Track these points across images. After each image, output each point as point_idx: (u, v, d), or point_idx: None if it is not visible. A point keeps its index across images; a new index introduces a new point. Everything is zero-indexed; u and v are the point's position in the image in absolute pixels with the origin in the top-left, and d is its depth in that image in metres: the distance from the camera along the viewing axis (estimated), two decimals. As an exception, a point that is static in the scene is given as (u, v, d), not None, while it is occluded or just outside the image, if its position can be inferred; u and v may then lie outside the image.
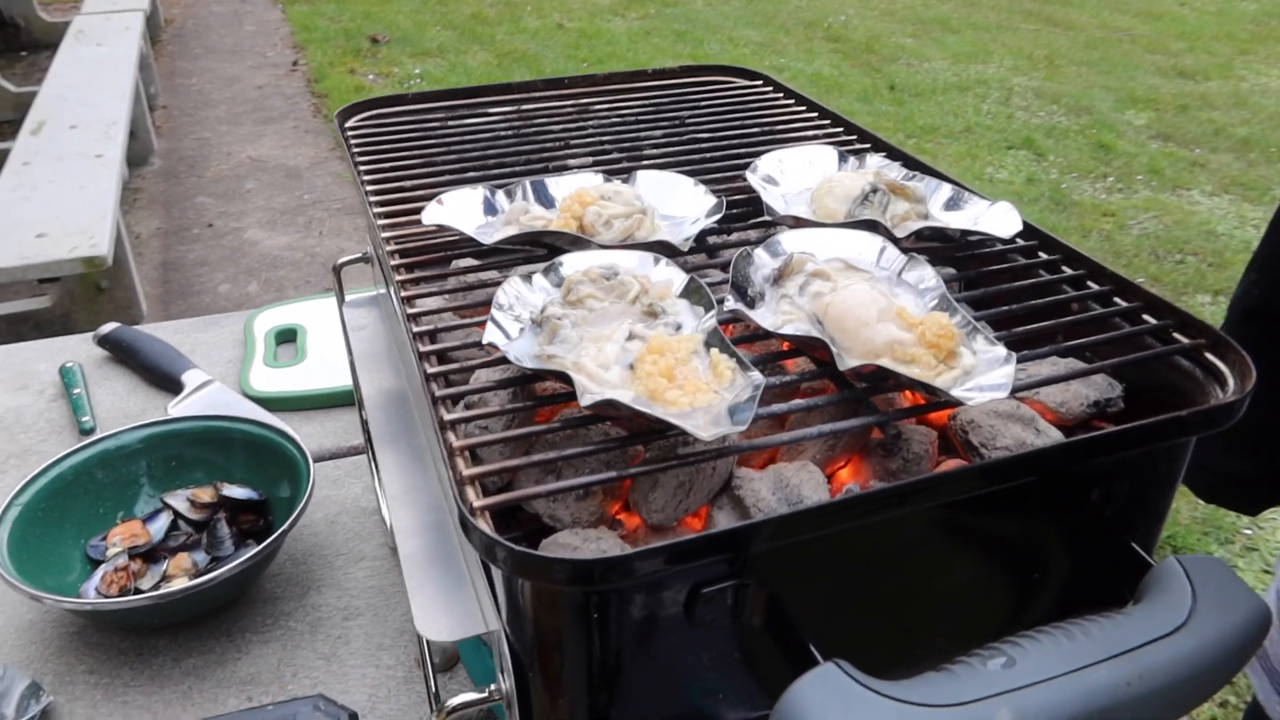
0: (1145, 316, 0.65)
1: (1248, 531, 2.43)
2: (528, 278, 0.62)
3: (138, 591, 0.90)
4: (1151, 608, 0.48)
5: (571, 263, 0.63)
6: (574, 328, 0.57)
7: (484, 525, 0.47)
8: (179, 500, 0.99)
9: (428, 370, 0.58)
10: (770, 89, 1.05)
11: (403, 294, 0.66)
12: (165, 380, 1.22)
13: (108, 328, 1.30)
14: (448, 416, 0.54)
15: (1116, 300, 0.67)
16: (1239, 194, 4.21)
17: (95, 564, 0.93)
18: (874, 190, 0.71)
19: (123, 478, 0.99)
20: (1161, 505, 0.59)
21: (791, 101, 1.01)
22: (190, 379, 1.20)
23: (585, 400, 0.50)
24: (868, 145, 0.90)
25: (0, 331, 2.91)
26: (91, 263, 2.63)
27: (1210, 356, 0.60)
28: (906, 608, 0.56)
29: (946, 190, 0.76)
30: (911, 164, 0.82)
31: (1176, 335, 0.63)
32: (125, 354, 1.27)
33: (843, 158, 0.80)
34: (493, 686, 0.55)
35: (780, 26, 6.58)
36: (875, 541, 0.52)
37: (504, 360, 0.57)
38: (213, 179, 4.45)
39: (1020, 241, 0.74)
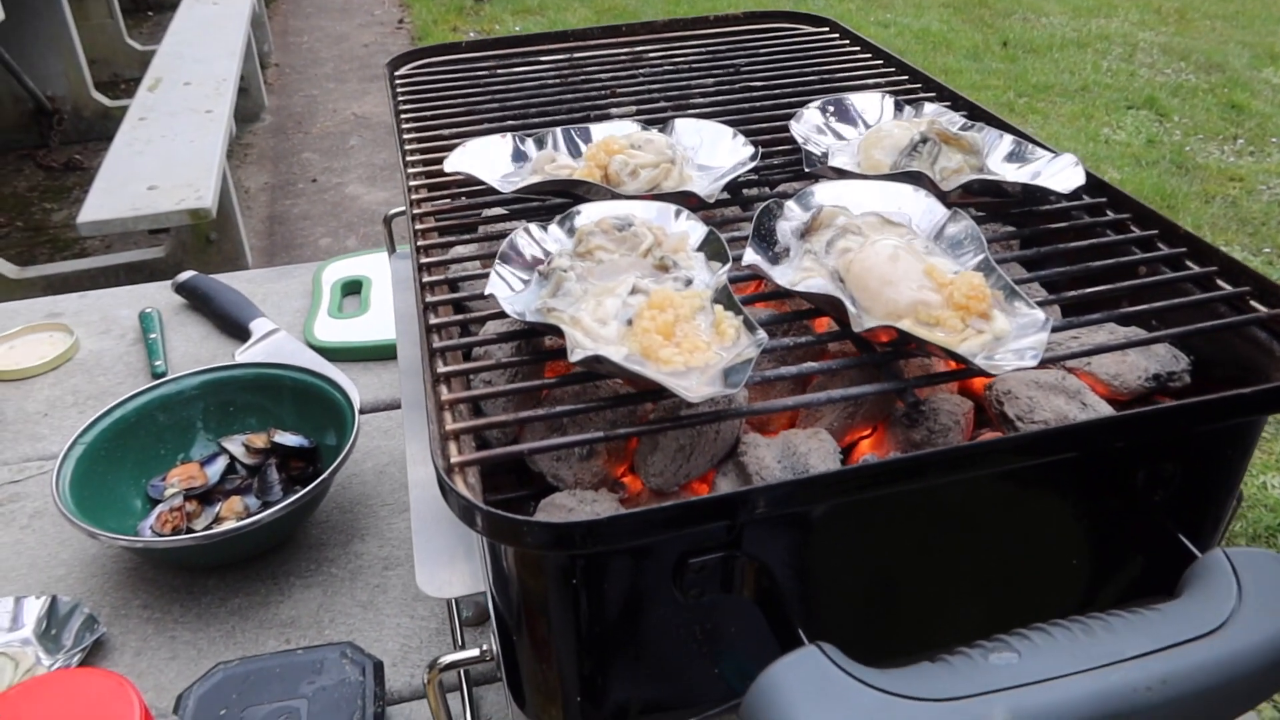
0: (1220, 283, 0.59)
1: (1373, 524, 2.25)
2: (543, 227, 0.60)
3: (190, 531, 0.93)
4: (1188, 605, 0.43)
5: (588, 213, 0.60)
6: (579, 280, 0.54)
7: (460, 484, 0.45)
8: (235, 445, 1.01)
9: (430, 321, 0.56)
10: (837, 36, 0.99)
11: (419, 243, 0.64)
12: (235, 328, 1.25)
13: (185, 275, 1.33)
14: (441, 369, 0.52)
15: (1189, 264, 0.61)
16: (1389, 158, 3.87)
17: (155, 503, 0.96)
18: (923, 140, 0.66)
19: (182, 421, 1.01)
20: (1221, 492, 0.54)
21: (857, 49, 0.95)
22: (258, 327, 1.23)
23: (574, 356, 0.47)
24: (932, 95, 0.84)
25: (120, 278, 3.06)
26: (197, 214, 2.72)
27: (1290, 328, 0.54)
28: (917, 591, 0.52)
29: (1008, 142, 0.70)
30: (976, 114, 0.76)
31: (1254, 304, 0.56)
32: (200, 301, 1.31)
33: (899, 106, 0.74)
34: (485, 646, 0.54)
35: (890, -20, 6.32)
36: (881, 519, 0.49)
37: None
38: (318, 135, 4.57)
39: (1086, 198, 0.68)
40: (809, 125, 0.72)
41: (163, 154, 3.00)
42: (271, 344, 1.20)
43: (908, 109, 0.75)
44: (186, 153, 3.00)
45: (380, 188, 4.00)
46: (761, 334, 0.49)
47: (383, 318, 1.24)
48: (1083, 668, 0.39)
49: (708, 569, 0.46)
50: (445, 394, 0.51)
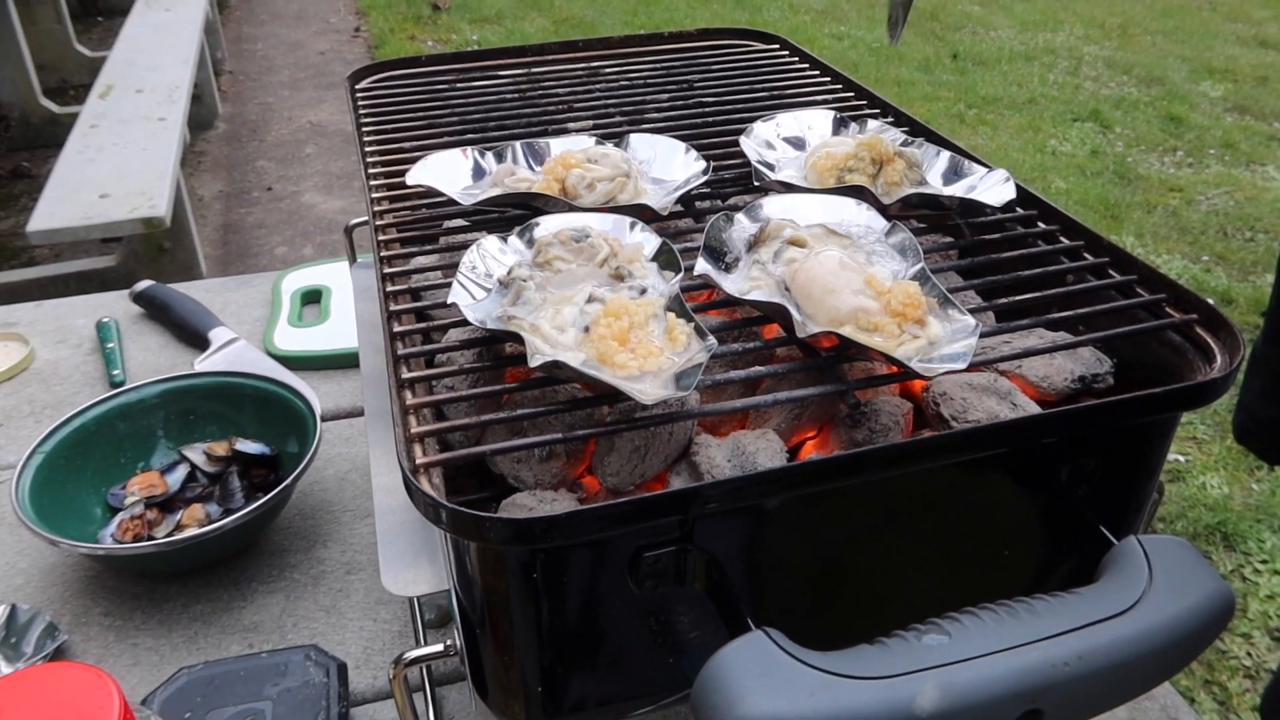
0: (1140, 290, 0.63)
1: (1304, 519, 2.34)
2: (503, 238, 0.62)
3: (151, 539, 0.93)
4: (1104, 588, 0.46)
5: (546, 224, 0.63)
6: (538, 289, 0.56)
7: (425, 484, 0.47)
8: (195, 453, 1.02)
9: (394, 329, 0.58)
10: (786, 53, 1.03)
11: (383, 253, 0.66)
12: (194, 337, 1.25)
13: (142, 285, 1.33)
14: (405, 375, 0.54)
15: (1112, 273, 0.65)
16: (1319, 170, 4.02)
17: (115, 512, 0.97)
18: (866, 157, 0.69)
19: (142, 430, 1.02)
20: (1139, 485, 0.57)
21: (806, 66, 0.99)
22: (217, 336, 1.23)
23: (533, 361, 0.50)
24: (876, 111, 0.88)
25: (70, 288, 3.02)
26: (150, 223, 2.70)
27: (1201, 332, 0.58)
28: (858, 581, 0.56)
29: (946, 158, 0.73)
30: (916, 130, 0.80)
31: (1169, 310, 0.60)
32: (158, 311, 1.31)
33: (842, 122, 0.78)
34: (449, 641, 0.56)
35: (844, -8, 6.44)
36: (825, 513, 0.52)
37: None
38: (274, 143, 4.54)
39: (1020, 210, 0.72)
40: (758, 140, 0.76)
41: (115, 161, 2.97)
42: (231, 353, 1.21)
43: (852, 125, 0.78)
44: (139, 160, 2.97)
45: (337, 196, 3.99)
46: (711, 340, 0.52)
47: (343, 326, 1.26)
48: (1006, 646, 0.42)
49: (662, 562, 0.49)
50: (410, 398, 0.53)
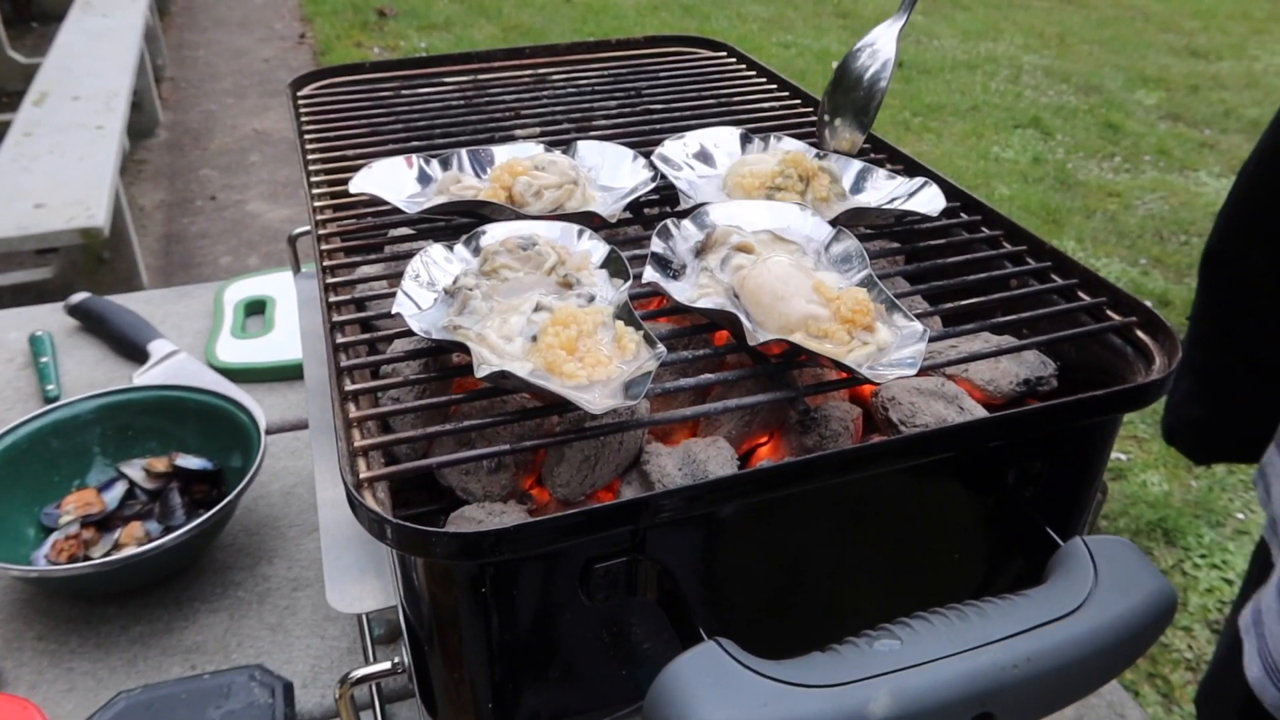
0: (1080, 293, 0.64)
1: (1240, 515, 2.41)
2: (449, 247, 0.61)
3: (88, 559, 0.90)
4: (1051, 589, 0.47)
5: (493, 233, 0.62)
6: (485, 299, 0.56)
7: (369, 499, 0.46)
8: (134, 469, 0.99)
9: (336, 340, 0.57)
10: (734, 60, 1.03)
11: (325, 263, 0.65)
12: (132, 350, 1.22)
13: (78, 297, 1.30)
14: (348, 387, 0.53)
15: (1054, 277, 0.66)
16: (1249, 175, 4.14)
17: (49, 532, 0.94)
18: (790, 174, 0.69)
19: (77, 446, 0.99)
20: (1084, 486, 0.58)
21: (753, 73, 0.99)
22: (156, 349, 1.20)
23: (480, 372, 0.49)
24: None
25: (4, 301, 2.92)
26: (89, 234, 2.63)
27: (1141, 334, 0.59)
28: (812, 588, 0.55)
29: (856, 166, 0.74)
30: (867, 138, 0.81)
31: (1110, 313, 0.61)
32: (95, 323, 1.27)
33: (746, 138, 0.77)
34: (397, 659, 0.55)
35: (789, 2, 6.50)
36: (778, 520, 0.51)
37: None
38: (217, 151, 4.45)
39: (964, 216, 0.73)
40: (666, 161, 0.73)
41: (50, 170, 2.88)
42: (172, 365, 1.18)
43: (756, 140, 0.77)
44: (76, 169, 2.89)
45: (283, 205, 3.92)
46: (661, 348, 0.51)
47: (288, 337, 1.23)
48: (957, 650, 0.43)
49: (613, 573, 0.48)
50: (354, 411, 0.52)
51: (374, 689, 0.72)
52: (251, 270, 3.47)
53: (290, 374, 1.19)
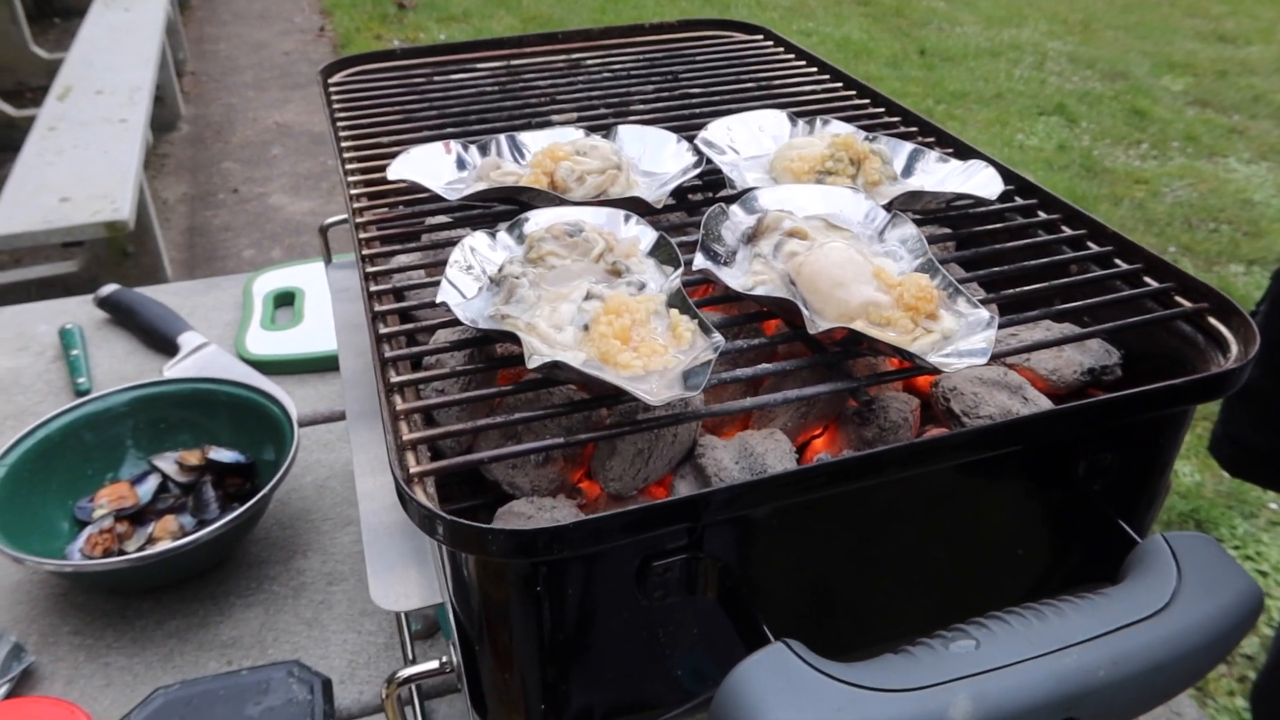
0: (1147, 279, 0.61)
1: (1274, 506, 2.37)
2: (491, 234, 0.60)
3: (122, 553, 0.89)
4: (1133, 588, 0.44)
5: (537, 219, 0.60)
6: (532, 287, 0.54)
7: (420, 494, 0.45)
8: (167, 463, 0.98)
9: (380, 330, 0.55)
10: (770, 43, 1.01)
11: (364, 252, 0.63)
12: (162, 342, 1.21)
13: (107, 289, 1.29)
14: (394, 379, 0.51)
15: (1117, 262, 0.63)
16: (1277, 161, 4.07)
17: (83, 525, 0.93)
18: (841, 157, 0.67)
19: (110, 439, 0.98)
20: (1155, 480, 0.56)
21: (791, 56, 0.97)
22: (186, 341, 1.19)
23: (532, 363, 0.47)
24: (867, 100, 0.86)
25: (31, 294, 2.93)
26: (114, 227, 2.63)
27: (1214, 322, 0.56)
28: (875, 585, 0.54)
29: (907, 149, 0.71)
30: (910, 120, 0.79)
31: (1179, 299, 0.59)
32: (124, 316, 1.26)
33: (792, 120, 0.75)
34: (444, 658, 0.53)
35: (811, -11, 6.44)
36: (840, 514, 0.50)
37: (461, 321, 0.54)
38: (239, 144, 4.46)
39: (1019, 200, 0.70)
40: (711, 144, 0.72)
41: (75, 164, 2.89)
42: (202, 358, 1.17)
43: (802, 124, 0.75)
44: (101, 163, 2.90)
45: (305, 197, 3.92)
46: (718, 336, 0.49)
47: (317, 329, 1.22)
48: (1039, 652, 0.41)
49: (671, 571, 0.46)
50: (400, 403, 0.50)
51: (413, 688, 0.71)
52: (275, 263, 3.48)
53: (320, 366, 1.18)
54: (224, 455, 0.97)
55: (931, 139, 0.79)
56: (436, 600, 0.55)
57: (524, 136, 0.72)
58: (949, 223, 0.73)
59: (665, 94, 0.88)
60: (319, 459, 1.06)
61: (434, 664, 0.54)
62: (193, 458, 0.98)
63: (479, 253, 0.58)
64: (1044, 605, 0.44)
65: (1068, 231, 0.67)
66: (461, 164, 0.71)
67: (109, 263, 2.99)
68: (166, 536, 0.91)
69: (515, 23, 5.66)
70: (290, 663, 0.78)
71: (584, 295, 0.52)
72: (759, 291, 0.54)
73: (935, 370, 0.49)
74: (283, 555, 0.94)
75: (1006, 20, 5.88)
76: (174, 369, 1.16)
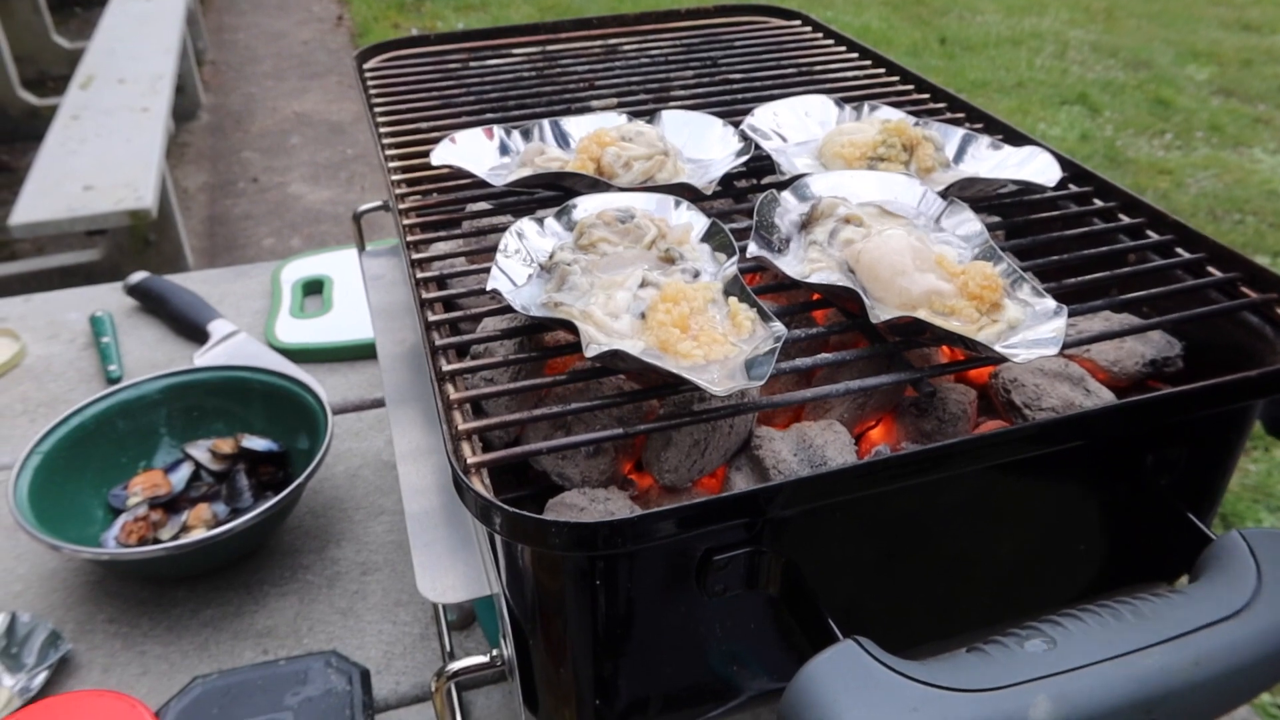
0: (1210, 269, 0.60)
1: (1305, 501, 2.34)
2: (539, 221, 0.58)
3: (157, 541, 0.89)
4: (1211, 586, 0.43)
5: (585, 205, 0.59)
6: (584, 274, 0.53)
7: (478, 484, 0.44)
8: (200, 451, 0.98)
9: (429, 318, 0.54)
10: (808, 29, 0.99)
11: (409, 239, 0.62)
12: (192, 330, 1.21)
13: (137, 277, 1.29)
14: (446, 367, 0.51)
15: (1179, 251, 0.62)
16: (1305, 152, 4.02)
17: (117, 513, 0.93)
18: (894, 143, 0.66)
19: (144, 427, 0.97)
20: (1223, 474, 0.55)
21: (831, 41, 0.95)
22: (216, 329, 1.19)
23: (590, 351, 0.46)
24: (911, 86, 0.84)
25: (54, 283, 2.95)
26: (137, 215, 2.64)
27: (1283, 312, 0.55)
28: (938, 581, 0.52)
29: (958, 135, 0.70)
30: (956, 105, 0.77)
31: (1244, 289, 0.57)
32: (154, 303, 1.26)
33: (839, 106, 0.74)
34: (495, 651, 0.53)
35: (830, -23, 6.39)
36: (905, 508, 0.48)
37: (511, 308, 0.53)
38: (258, 134, 4.46)
39: (1073, 187, 0.69)
40: (757, 130, 0.71)
41: (98, 153, 2.90)
42: (232, 346, 1.17)
43: (848, 109, 0.74)
44: (123, 151, 2.90)
45: (324, 187, 3.92)
46: (778, 325, 0.48)
47: (347, 317, 1.21)
48: (1118, 653, 0.39)
49: (732, 565, 0.45)
50: (453, 393, 0.49)
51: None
52: (295, 252, 3.48)
53: (351, 354, 1.17)
54: (257, 444, 0.96)
55: (980, 125, 0.77)
56: (484, 592, 0.54)
57: (567, 122, 0.71)
58: (999, 211, 0.72)
59: (705, 80, 0.87)
60: (350, 448, 1.05)
61: (483, 658, 0.53)
62: (226, 446, 0.97)
63: (528, 239, 0.57)
64: (1119, 604, 0.42)
65: (1125, 220, 0.65)
66: (505, 149, 0.69)
67: (131, 251, 2.99)
68: (200, 525, 0.91)
69: (533, 11, 5.64)
70: (328, 653, 0.78)
71: (639, 283, 0.51)
72: (816, 279, 0.53)
73: (1004, 360, 0.47)
74: (316, 544, 0.94)
75: (1027, 8, 5.82)
76: (205, 357, 1.16)
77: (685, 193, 0.63)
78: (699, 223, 0.57)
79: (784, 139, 0.71)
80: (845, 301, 0.54)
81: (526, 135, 0.70)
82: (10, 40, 4.04)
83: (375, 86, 0.86)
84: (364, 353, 1.17)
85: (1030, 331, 0.49)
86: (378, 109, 0.82)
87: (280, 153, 4.25)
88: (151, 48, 3.78)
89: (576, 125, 0.71)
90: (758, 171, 0.72)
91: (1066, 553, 0.54)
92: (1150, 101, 4.57)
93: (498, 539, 0.47)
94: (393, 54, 0.93)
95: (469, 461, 0.45)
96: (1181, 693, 0.39)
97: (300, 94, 4.84)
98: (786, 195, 0.61)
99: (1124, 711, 0.38)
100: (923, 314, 0.50)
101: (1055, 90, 4.70)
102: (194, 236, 3.58)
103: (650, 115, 0.73)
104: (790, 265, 0.55)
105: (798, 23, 1.01)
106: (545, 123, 0.71)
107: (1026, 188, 0.66)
